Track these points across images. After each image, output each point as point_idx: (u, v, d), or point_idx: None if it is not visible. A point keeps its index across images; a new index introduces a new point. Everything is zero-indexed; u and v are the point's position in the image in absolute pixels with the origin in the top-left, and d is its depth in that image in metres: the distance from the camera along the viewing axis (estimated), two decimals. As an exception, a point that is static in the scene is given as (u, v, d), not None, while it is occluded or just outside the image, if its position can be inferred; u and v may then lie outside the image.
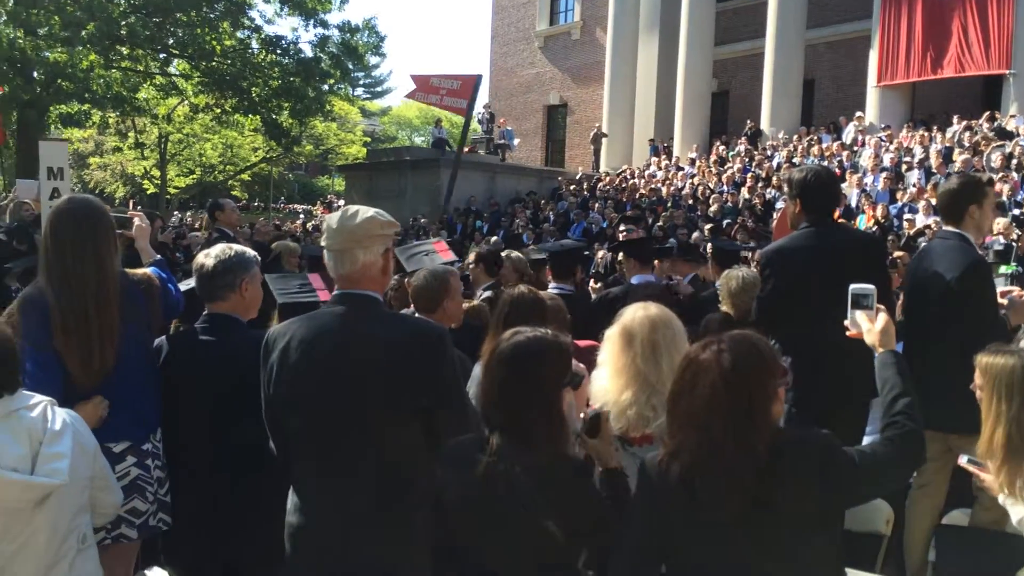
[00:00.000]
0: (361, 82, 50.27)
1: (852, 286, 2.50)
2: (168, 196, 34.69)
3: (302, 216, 33.06)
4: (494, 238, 15.34)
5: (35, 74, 20.52)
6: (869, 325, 2.42)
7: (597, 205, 20.26)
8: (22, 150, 22.70)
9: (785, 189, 4.13)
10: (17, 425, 2.34)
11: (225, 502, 3.02)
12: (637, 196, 20.82)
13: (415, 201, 22.18)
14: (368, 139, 44.16)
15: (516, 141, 27.84)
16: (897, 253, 7.86)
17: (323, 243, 2.63)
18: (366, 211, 2.60)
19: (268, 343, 2.61)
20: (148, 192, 35.73)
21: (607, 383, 2.84)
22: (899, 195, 15.75)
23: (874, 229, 13.52)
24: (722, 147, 22.73)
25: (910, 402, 2.22)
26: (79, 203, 3.13)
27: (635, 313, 2.89)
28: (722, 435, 1.96)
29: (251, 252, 3.34)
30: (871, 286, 2.48)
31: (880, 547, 3.50)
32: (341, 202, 30.31)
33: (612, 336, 2.88)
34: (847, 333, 2.50)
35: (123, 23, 20.95)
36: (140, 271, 3.32)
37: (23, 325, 2.98)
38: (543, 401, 2.24)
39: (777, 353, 2.19)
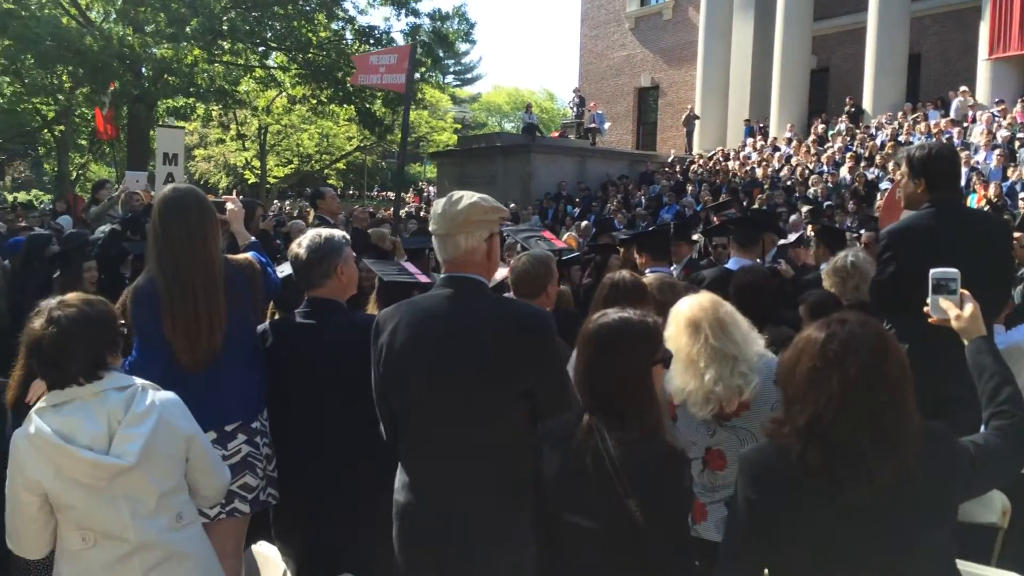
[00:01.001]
0: (451, 69, 50.73)
1: (933, 271, 2.39)
2: (268, 185, 35.74)
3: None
4: (584, 223, 15.28)
5: (143, 70, 21.37)
6: (956, 311, 2.32)
7: (691, 188, 19.93)
8: (132, 143, 23.77)
9: (903, 168, 3.94)
10: (99, 405, 2.45)
11: (331, 480, 3.11)
12: (731, 178, 20.38)
13: (506, 187, 22.27)
14: (459, 126, 44.49)
15: (607, 125, 27.61)
16: (1016, 234, 7.43)
17: (430, 228, 2.66)
18: (470, 197, 2.61)
19: (377, 325, 2.67)
20: (249, 182, 36.91)
21: (680, 379, 2.87)
22: (1010, 172, 14.95)
23: (986, 208, 12.88)
24: (822, 126, 22.01)
25: (1014, 391, 2.14)
26: (183, 192, 3.25)
27: (689, 304, 2.94)
28: (872, 413, 1.88)
29: (340, 233, 3.42)
30: (954, 270, 2.37)
31: (996, 539, 3.35)
32: (432, 189, 30.66)
33: (674, 335, 2.90)
34: (929, 320, 2.40)
35: (224, 18, 21.63)
36: (241, 256, 3.43)
37: (134, 316, 3.13)
38: (631, 381, 2.25)
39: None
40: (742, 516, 2.06)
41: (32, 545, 2.51)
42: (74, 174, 31.32)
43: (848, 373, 1.89)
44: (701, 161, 23.04)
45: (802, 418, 1.94)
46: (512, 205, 20.51)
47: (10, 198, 24.63)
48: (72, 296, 2.54)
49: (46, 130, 28.59)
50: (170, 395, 2.59)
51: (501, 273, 4.29)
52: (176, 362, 3.06)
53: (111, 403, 2.46)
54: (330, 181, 37.56)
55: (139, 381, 2.55)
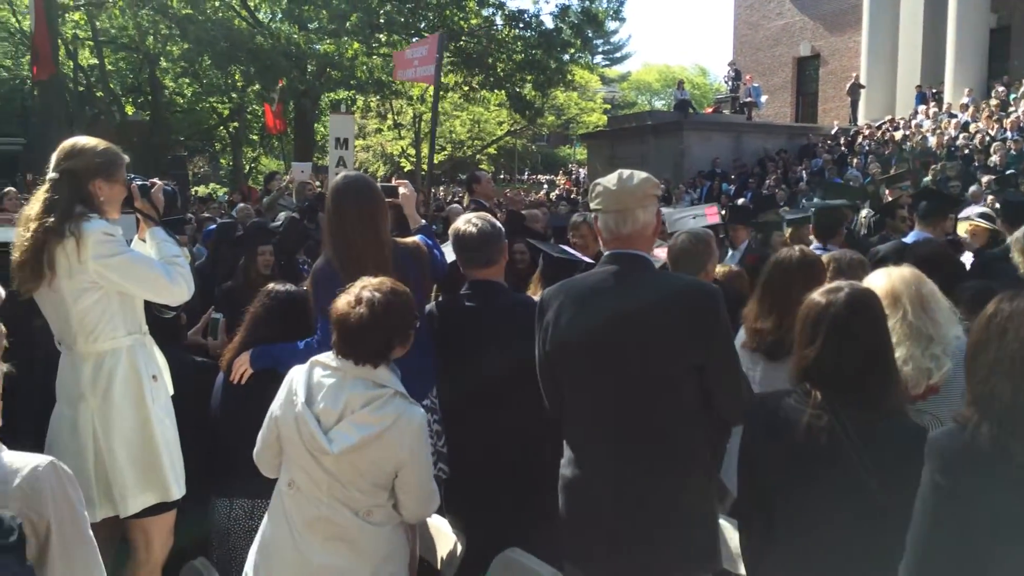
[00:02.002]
0: (600, 49, 50.35)
1: None
2: (423, 172, 36.82)
3: (546, 186, 33.78)
4: (741, 200, 14.85)
5: (308, 66, 22.47)
6: None
7: (856, 161, 18.93)
8: (298, 136, 25.11)
9: None
10: (349, 388, 2.58)
11: (498, 457, 3.18)
12: (904, 148, 19.20)
13: (657, 166, 21.91)
14: (608, 106, 44.14)
15: (764, 98, 26.64)
16: None
17: (597, 206, 2.64)
18: (639, 173, 2.62)
19: (542, 304, 2.70)
20: (405, 169, 38.14)
21: None
22: None
23: None
24: (1003, 89, 20.32)
25: None
26: (354, 179, 3.41)
27: (889, 276, 2.81)
28: None
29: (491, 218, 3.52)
30: None
31: None
32: (583, 171, 30.60)
33: None
34: None
35: (381, 12, 22.41)
36: (409, 239, 3.54)
37: (316, 296, 3.29)
38: (880, 353, 2.23)
39: None
40: (929, 503, 1.95)
41: (264, 464, 2.77)
42: (247, 167, 33.40)
43: (1006, 343, 1.83)
44: (868, 132, 21.82)
45: (969, 393, 1.90)
46: (662, 185, 20.20)
47: (191, 192, 26.61)
48: (379, 281, 2.64)
49: (222, 127, 30.62)
50: (416, 416, 2.61)
51: (659, 253, 4.25)
52: None
53: (358, 392, 2.58)
54: (482, 166, 38.25)
55: (399, 390, 2.61)
